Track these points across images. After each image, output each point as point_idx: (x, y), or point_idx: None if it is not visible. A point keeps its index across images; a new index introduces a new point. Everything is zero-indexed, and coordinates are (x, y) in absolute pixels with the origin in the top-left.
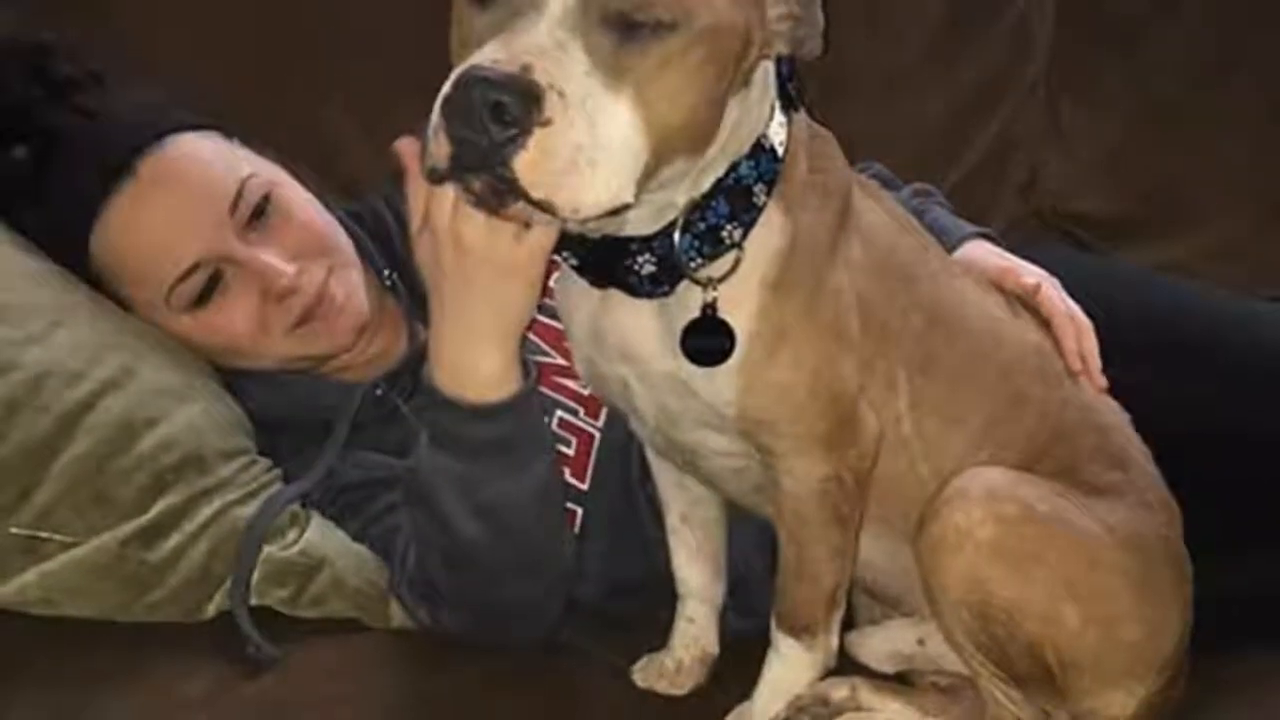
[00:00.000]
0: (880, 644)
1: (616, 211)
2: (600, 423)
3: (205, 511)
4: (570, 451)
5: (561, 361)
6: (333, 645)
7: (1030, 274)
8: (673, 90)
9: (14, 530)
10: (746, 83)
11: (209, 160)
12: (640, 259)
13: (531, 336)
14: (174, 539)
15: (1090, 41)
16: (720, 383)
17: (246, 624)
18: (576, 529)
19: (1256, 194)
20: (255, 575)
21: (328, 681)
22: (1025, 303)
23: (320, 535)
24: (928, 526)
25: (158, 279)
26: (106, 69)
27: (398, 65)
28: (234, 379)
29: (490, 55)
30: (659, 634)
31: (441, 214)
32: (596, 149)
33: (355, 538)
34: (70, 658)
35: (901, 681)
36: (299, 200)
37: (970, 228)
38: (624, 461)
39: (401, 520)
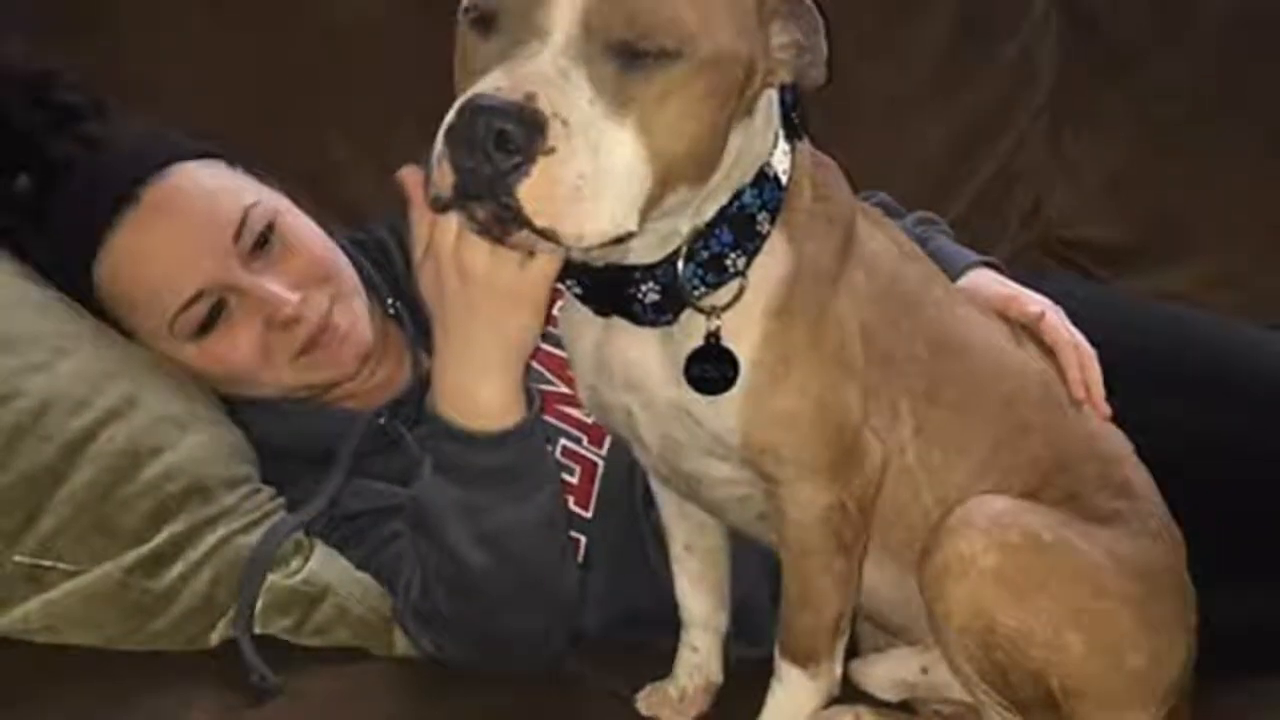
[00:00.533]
0: (884, 672)
1: (620, 240)
2: (604, 451)
3: (209, 540)
4: (574, 480)
5: (565, 390)
6: (336, 674)
7: (1034, 302)
8: (676, 119)
9: (17, 559)
10: (750, 111)
11: (212, 188)
12: (644, 287)
13: (535, 364)
14: (177, 567)
15: (1093, 71)
16: (724, 411)
17: (250, 652)
18: (580, 557)
19: (1258, 223)
20: (259, 604)
21: (332, 710)
22: (1029, 331)
23: (324, 564)
24: (932, 554)
25: (161, 307)
26: (109, 98)
27: (401, 93)
28: (237, 407)
29: (494, 83)
30: (663, 662)
31: (445, 242)
32: (600, 177)
33: (359, 566)
34: (73, 686)
35: (906, 710)
36: (303, 228)
37: (974, 256)
38: (628, 490)
39: (405, 548)
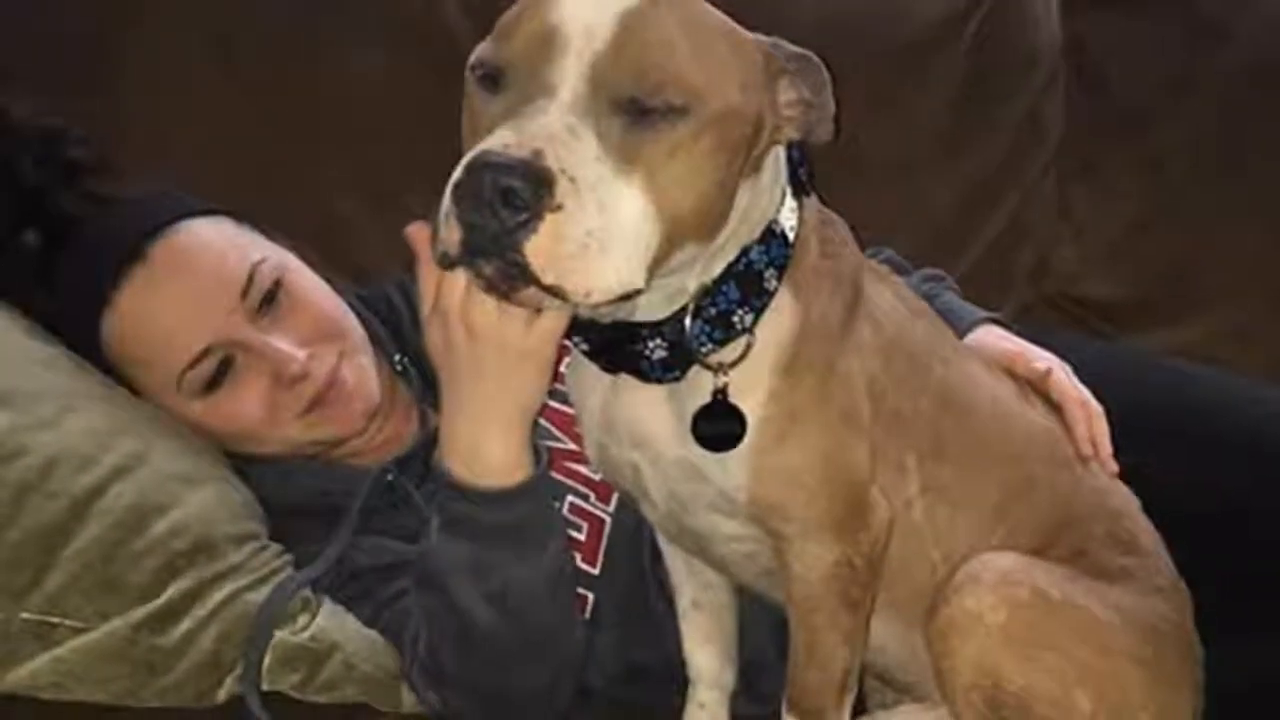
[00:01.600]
0: None
1: (627, 296)
2: (611, 508)
3: (216, 597)
4: (581, 536)
5: (572, 447)
6: None
7: (1041, 359)
8: (684, 175)
9: (25, 615)
10: (757, 168)
11: (220, 245)
12: (651, 344)
13: (542, 421)
14: (185, 624)
15: (1100, 128)
16: (731, 468)
17: (258, 709)
18: (587, 614)
19: (1265, 280)
20: (266, 660)
21: None
22: (1036, 387)
23: (331, 620)
24: (939, 611)
25: (169, 364)
26: (117, 155)
27: (408, 150)
28: (245, 464)
29: (501, 140)
30: (670, 719)
31: (452, 299)
32: (607, 234)
33: (367, 623)
34: None
35: None
36: (310, 285)
37: (981, 312)
38: (635, 546)
39: (412, 605)
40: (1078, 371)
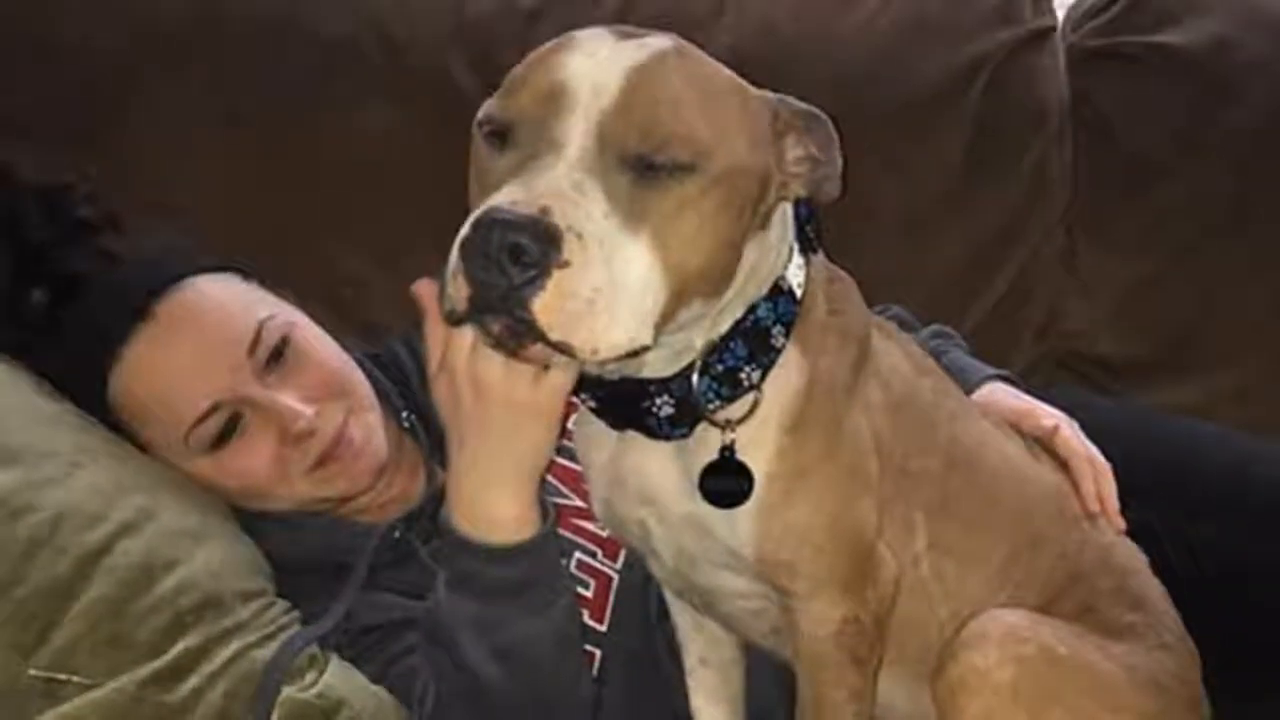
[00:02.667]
0: None
1: (635, 353)
2: (618, 565)
3: (224, 653)
4: (588, 593)
5: (579, 503)
6: None
7: (1049, 415)
8: (691, 232)
9: (32, 672)
10: (765, 224)
11: (226, 302)
12: (658, 401)
13: (550, 478)
14: (192, 681)
15: (1108, 185)
16: (738, 524)
17: None
18: (595, 671)
19: (1274, 337)
20: (274, 717)
21: None
22: (1044, 444)
23: (339, 677)
24: (946, 668)
25: (175, 421)
26: (124, 213)
27: (415, 206)
28: (252, 520)
29: (509, 197)
30: None
31: (459, 355)
32: (615, 291)
33: (374, 679)
34: None
35: None
36: (317, 341)
37: (989, 369)
38: (642, 603)
39: (420, 662)
40: (1085, 428)
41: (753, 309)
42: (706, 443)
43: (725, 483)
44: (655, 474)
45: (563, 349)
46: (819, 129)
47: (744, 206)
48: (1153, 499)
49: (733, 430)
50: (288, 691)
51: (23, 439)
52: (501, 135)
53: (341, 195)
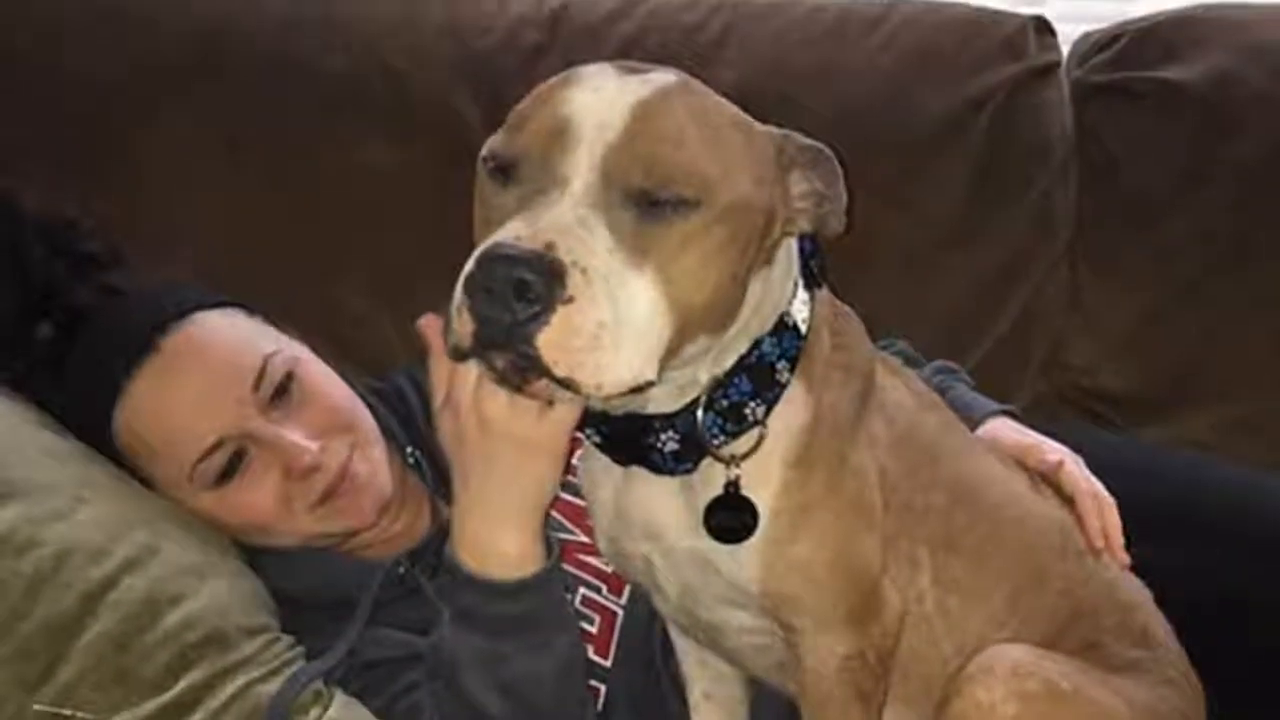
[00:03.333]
0: None
1: (639, 389)
2: (623, 600)
3: (228, 689)
4: (593, 629)
5: (584, 539)
6: None
7: (1053, 451)
8: (695, 268)
9: (37, 707)
10: (769, 260)
11: (231, 338)
12: (663, 436)
13: (554, 513)
14: (197, 716)
15: (1112, 220)
16: (743, 560)
17: None
18: (599, 706)
19: (1277, 372)
20: None
21: None
22: (1048, 479)
23: (344, 712)
24: (951, 703)
25: (180, 457)
26: (129, 248)
27: (420, 242)
28: (256, 556)
29: (513, 232)
30: None
31: (464, 391)
32: (619, 326)
33: (379, 714)
34: None
35: None
36: (322, 377)
37: (993, 405)
38: (646, 638)
39: (424, 697)
40: (1090, 464)
41: (757, 344)
42: (711, 478)
43: (730, 518)
44: (660, 509)
45: (567, 384)
46: (824, 164)
47: (749, 242)
48: (1156, 534)
49: (737, 465)
50: None
51: (27, 474)
52: (506, 170)
53: (345, 230)
